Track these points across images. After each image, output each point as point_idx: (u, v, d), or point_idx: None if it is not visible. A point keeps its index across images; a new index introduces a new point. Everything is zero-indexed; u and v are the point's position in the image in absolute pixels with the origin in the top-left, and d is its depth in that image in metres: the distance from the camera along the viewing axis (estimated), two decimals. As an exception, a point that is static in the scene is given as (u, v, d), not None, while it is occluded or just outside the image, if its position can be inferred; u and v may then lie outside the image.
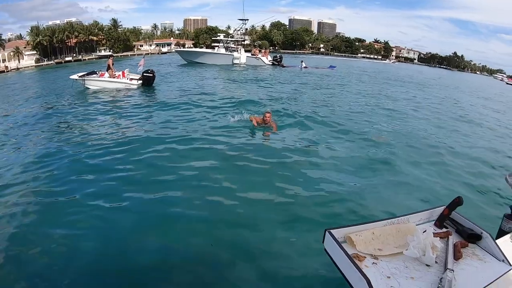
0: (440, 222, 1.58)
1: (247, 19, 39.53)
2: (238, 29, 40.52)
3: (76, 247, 3.79)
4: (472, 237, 1.47)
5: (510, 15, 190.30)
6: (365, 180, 6.03)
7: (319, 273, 3.38)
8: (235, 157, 6.67)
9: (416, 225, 1.55)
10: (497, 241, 1.70)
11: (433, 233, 1.43)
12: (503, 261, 1.38)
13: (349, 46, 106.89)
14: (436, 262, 1.30)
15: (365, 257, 1.26)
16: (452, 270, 1.22)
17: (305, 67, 33.23)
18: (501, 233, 2.00)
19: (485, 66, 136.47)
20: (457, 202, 1.54)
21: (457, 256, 1.35)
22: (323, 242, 1.26)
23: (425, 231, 1.38)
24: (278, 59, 33.69)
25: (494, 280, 1.26)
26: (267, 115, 8.33)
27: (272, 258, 3.73)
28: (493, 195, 6.05)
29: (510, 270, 1.34)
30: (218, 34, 42.17)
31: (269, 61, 33.56)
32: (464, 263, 1.34)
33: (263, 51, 38.04)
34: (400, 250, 1.32)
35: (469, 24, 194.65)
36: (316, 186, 5.44)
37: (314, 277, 3.43)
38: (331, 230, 1.27)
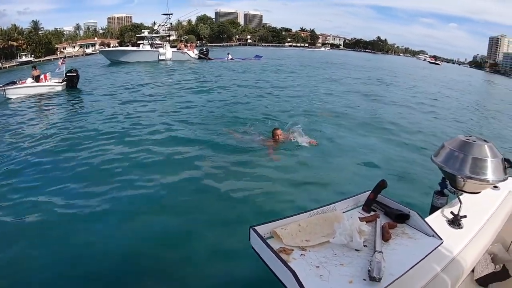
0: (367, 206, 1.62)
1: (171, 14, 39.67)
2: (163, 24, 40.33)
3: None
4: (400, 217, 1.53)
5: (427, 0, 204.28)
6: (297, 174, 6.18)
7: (252, 272, 3.35)
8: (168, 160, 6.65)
9: (343, 212, 1.58)
10: (429, 216, 1.93)
11: (360, 217, 1.51)
12: (433, 236, 1.43)
13: (276, 36, 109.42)
14: (365, 246, 1.34)
15: (293, 250, 1.27)
16: (381, 251, 1.24)
17: (231, 58, 34.02)
18: (433, 209, 2.13)
19: (408, 48, 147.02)
20: (382, 185, 1.60)
21: (386, 237, 1.38)
22: (249, 240, 1.27)
23: (351, 217, 1.46)
24: (205, 52, 34.17)
25: (426, 256, 1.30)
26: (275, 132, 7.63)
27: (205, 263, 3.77)
28: (424, 174, 6.28)
29: (440, 244, 1.39)
30: (143, 30, 40.14)
31: (196, 54, 33.88)
32: (394, 243, 1.38)
33: (188, 45, 38.06)
34: (328, 239, 1.34)
35: (390, 10, 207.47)
36: (254, 181, 5.63)
37: (247, 277, 3.46)
38: (255, 227, 1.27)
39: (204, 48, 35.77)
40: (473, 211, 1.93)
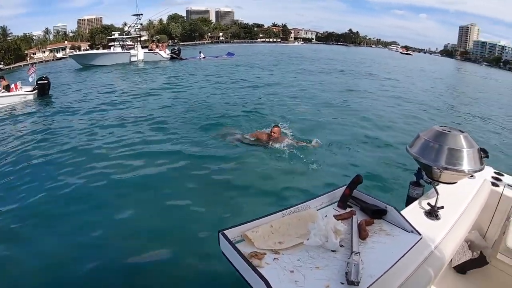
0: (343, 203, 1.59)
1: (141, 14, 39.22)
2: (133, 25, 39.76)
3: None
4: (377, 213, 1.51)
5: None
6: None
7: (225, 279, 3.25)
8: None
9: (318, 209, 1.53)
10: (406, 208, 1.93)
11: (336, 215, 1.46)
12: (412, 232, 1.40)
13: (248, 32, 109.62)
14: (342, 245, 1.29)
15: (265, 254, 1.21)
16: (358, 252, 1.20)
17: (203, 57, 34.20)
18: (409, 199, 2.13)
19: (380, 39, 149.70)
20: (357, 180, 1.58)
21: (363, 235, 1.34)
22: (219, 244, 1.20)
23: (326, 215, 1.37)
24: (176, 52, 34.09)
25: (405, 253, 1.27)
26: (274, 129, 7.33)
27: (176, 270, 3.69)
28: (400, 165, 6.36)
29: (419, 240, 1.36)
30: (113, 32, 39.27)
31: (168, 54, 33.76)
32: (372, 241, 1.34)
33: (160, 45, 37.87)
34: (303, 240, 1.28)
35: (362, 2, 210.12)
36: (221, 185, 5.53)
37: (220, 285, 3.43)
38: (224, 231, 1.21)
39: (175, 48, 35.60)
40: (449, 201, 1.94)
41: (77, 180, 5.85)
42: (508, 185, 2.44)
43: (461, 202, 2.02)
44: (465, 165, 1.60)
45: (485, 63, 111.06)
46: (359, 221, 1.43)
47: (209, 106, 11.45)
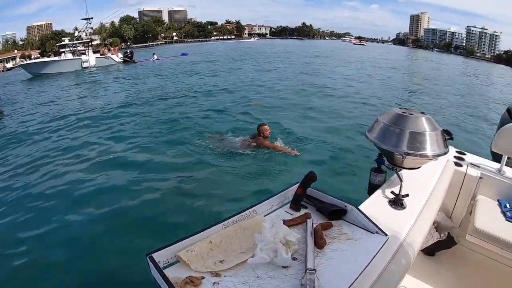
0: (295, 204, 1.43)
1: (91, 18, 38.11)
2: (83, 29, 38.65)
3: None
4: (335, 214, 1.36)
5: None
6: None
7: None
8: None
9: (268, 214, 1.38)
10: (369, 198, 1.83)
11: (287, 220, 1.30)
12: (376, 232, 1.27)
13: (202, 31, 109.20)
14: (295, 258, 1.12)
15: (203, 278, 1.01)
16: (314, 270, 1.02)
17: (157, 59, 34.45)
18: (372, 187, 2.04)
19: (333, 31, 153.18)
20: (310, 177, 1.42)
21: (319, 244, 1.17)
22: (149, 270, 1.01)
23: (275, 222, 1.26)
24: (129, 55, 33.88)
25: (371, 261, 1.12)
26: (266, 127, 6.96)
27: None
28: (361, 152, 6.42)
29: (386, 241, 1.24)
30: (63, 38, 37.70)
31: (120, 58, 33.45)
32: (331, 249, 1.17)
33: (112, 49, 37.40)
34: (248, 256, 1.10)
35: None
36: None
37: None
38: (152, 254, 1.02)
39: (128, 51, 35.40)
40: (414, 186, 1.86)
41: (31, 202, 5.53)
42: (471, 164, 2.50)
43: (426, 186, 1.99)
44: (429, 149, 1.53)
45: (436, 49, 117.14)
46: (315, 226, 1.26)
47: (174, 111, 11.28)
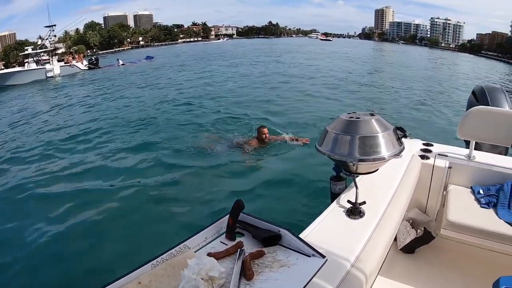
0: (230, 233, 1.36)
1: (54, 25, 37.57)
2: (47, 38, 37.59)
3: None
4: (269, 240, 1.30)
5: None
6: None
7: None
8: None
9: (202, 247, 1.30)
10: (326, 210, 1.78)
11: (216, 253, 1.22)
12: (313, 255, 1.21)
13: (168, 34, 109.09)
14: None
15: None
16: None
17: (122, 64, 34.53)
18: (333, 196, 1.97)
19: (300, 28, 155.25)
20: (238, 206, 1.36)
21: (248, 276, 1.12)
22: None
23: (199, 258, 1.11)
24: (94, 62, 33.83)
25: (307, 283, 1.07)
26: (264, 130, 6.94)
27: None
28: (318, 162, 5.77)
29: (324, 263, 1.18)
30: (26, 48, 36.38)
31: (85, 65, 33.18)
32: (262, 280, 1.11)
33: (77, 56, 36.93)
34: None
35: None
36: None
37: None
38: None
39: (93, 58, 35.39)
40: (377, 188, 1.85)
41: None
42: (439, 154, 2.48)
43: (391, 185, 1.96)
44: (383, 151, 1.50)
45: (401, 41, 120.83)
46: (244, 257, 1.20)
47: (145, 112, 11.32)
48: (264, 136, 6.87)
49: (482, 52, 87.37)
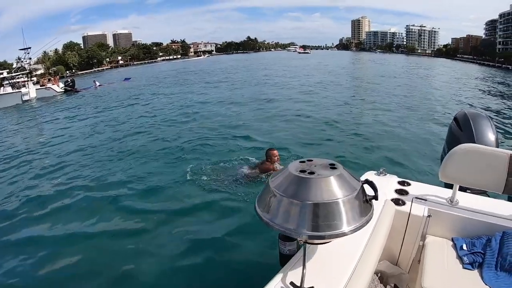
0: None
1: (29, 48, 36.88)
2: (22, 60, 36.91)
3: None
4: None
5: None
6: None
7: None
8: None
9: None
10: (268, 284, 1.36)
11: None
12: None
13: (147, 52, 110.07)
14: None
15: None
16: None
17: (99, 85, 34.60)
18: (283, 258, 1.57)
19: (278, 42, 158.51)
20: None
21: None
22: None
23: None
24: (70, 84, 33.39)
25: None
26: (273, 152, 6.26)
27: None
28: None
29: None
30: (1, 71, 35.65)
31: (61, 88, 32.72)
32: None
33: (52, 79, 36.17)
34: None
35: (257, 10, 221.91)
36: None
37: None
38: None
39: (69, 80, 35.00)
40: (342, 245, 1.46)
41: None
42: (416, 198, 2.16)
43: (360, 239, 1.60)
44: (344, 225, 1.13)
45: (379, 50, 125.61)
46: None
47: (127, 143, 10.49)
48: (276, 158, 6.19)
49: (458, 56, 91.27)
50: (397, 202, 2.14)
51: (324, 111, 13.99)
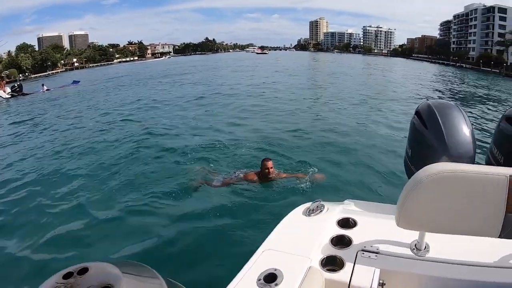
0: None
1: None
2: None
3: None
4: None
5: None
6: None
7: None
8: None
9: None
10: None
11: None
12: None
13: (104, 54, 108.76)
14: None
15: None
16: None
17: (47, 89, 34.69)
18: None
19: (237, 43, 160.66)
20: None
21: None
22: None
23: None
24: (17, 89, 33.23)
25: None
26: (268, 164, 5.76)
27: None
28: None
29: None
30: None
31: (8, 93, 32.37)
32: None
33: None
34: None
35: (215, 10, 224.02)
36: None
37: None
38: None
39: (16, 84, 34.74)
40: None
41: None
42: (363, 250, 1.30)
43: None
44: None
45: (336, 50, 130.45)
46: None
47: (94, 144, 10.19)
48: (267, 170, 5.71)
49: (413, 55, 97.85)
50: (329, 266, 1.24)
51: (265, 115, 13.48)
